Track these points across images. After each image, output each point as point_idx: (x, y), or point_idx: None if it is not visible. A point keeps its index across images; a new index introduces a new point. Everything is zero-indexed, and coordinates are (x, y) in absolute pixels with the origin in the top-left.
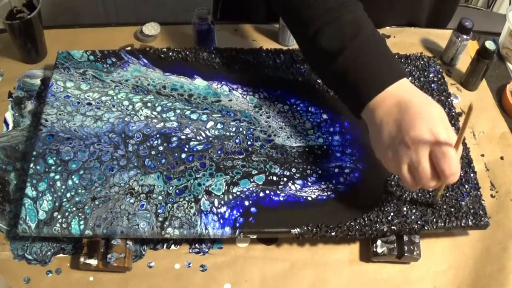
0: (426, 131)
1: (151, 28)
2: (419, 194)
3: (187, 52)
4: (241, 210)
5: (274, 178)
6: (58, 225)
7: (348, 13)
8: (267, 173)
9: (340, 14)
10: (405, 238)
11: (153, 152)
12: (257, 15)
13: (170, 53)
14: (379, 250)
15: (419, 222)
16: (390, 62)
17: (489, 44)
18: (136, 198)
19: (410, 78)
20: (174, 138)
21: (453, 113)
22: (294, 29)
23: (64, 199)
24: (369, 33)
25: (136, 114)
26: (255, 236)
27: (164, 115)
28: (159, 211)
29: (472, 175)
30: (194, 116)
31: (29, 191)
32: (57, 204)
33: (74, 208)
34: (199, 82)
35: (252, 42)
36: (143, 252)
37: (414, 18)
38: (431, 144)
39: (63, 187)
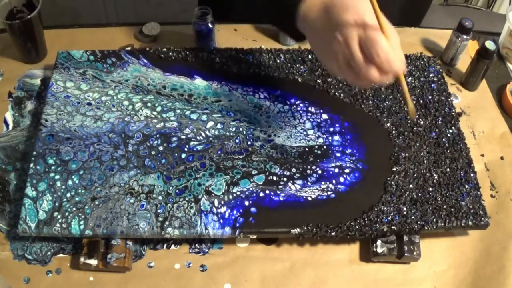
0: (352, 19)
1: (151, 28)
2: (419, 194)
3: (187, 52)
4: (241, 210)
5: (274, 178)
6: (58, 225)
7: None
8: (267, 173)
9: None
10: (405, 238)
11: (153, 152)
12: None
13: (170, 53)
14: (379, 250)
15: (419, 222)
16: None
17: (489, 44)
18: (136, 198)
19: (410, 78)
20: (174, 138)
21: (453, 113)
22: None
23: (64, 199)
24: None
25: (136, 114)
26: (255, 236)
27: (164, 115)
28: (159, 211)
29: (472, 175)
30: (194, 116)
31: (29, 191)
32: (57, 204)
33: (74, 208)
34: (199, 82)
35: (252, 42)
36: (143, 252)
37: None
38: (359, 31)
39: (63, 187)
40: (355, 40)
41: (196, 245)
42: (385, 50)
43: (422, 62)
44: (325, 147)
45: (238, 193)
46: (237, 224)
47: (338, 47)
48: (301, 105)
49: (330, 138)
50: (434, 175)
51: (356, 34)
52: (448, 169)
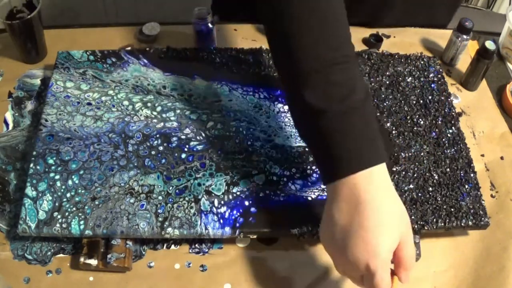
0: (362, 266)
1: (151, 28)
2: (419, 194)
3: (187, 52)
4: (241, 210)
5: (274, 178)
6: (58, 225)
7: (341, 72)
8: (267, 173)
9: (331, 71)
10: None
11: (153, 152)
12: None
13: (170, 53)
14: None
15: (419, 222)
16: (372, 140)
17: (489, 44)
18: (136, 198)
19: (410, 78)
20: (174, 138)
21: (453, 113)
22: (282, 67)
23: (64, 199)
24: (359, 99)
25: (136, 114)
26: (255, 236)
27: (164, 115)
28: (159, 211)
29: (472, 175)
30: (194, 116)
31: (29, 191)
32: (57, 204)
33: (74, 208)
34: (199, 82)
35: (252, 42)
36: (143, 252)
37: (411, 16)
38: (364, 275)
39: (63, 187)
40: (357, 276)
41: (196, 245)
42: None
43: (422, 62)
44: None
45: (238, 193)
46: (237, 224)
47: (336, 263)
48: None
49: None
50: (434, 175)
51: (360, 275)
52: (448, 169)
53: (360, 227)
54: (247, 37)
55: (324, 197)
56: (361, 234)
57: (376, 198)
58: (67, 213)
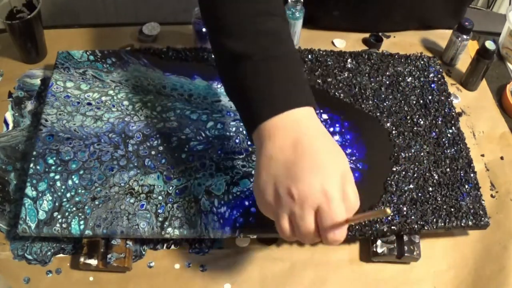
0: (318, 188)
1: (151, 28)
2: (419, 194)
3: (187, 52)
4: (241, 210)
5: None
6: (58, 225)
7: (268, 22)
8: None
9: (259, 21)
10: (405, 238)
11: (153, 152)
12: None
13: (170, 53)
14: (379, 250)
15: (419, 222)
16: (300, 85)
17: (489, 44)
18: (136, 198)
19: (410, 78)
20: (174, 138)
21: (453, 113)
22: (207, 20)
23: (64, 199)
24: (286, 49)
25: (136, 114)
26: (255, 236)
27: (164, 115)
28: (159, 211)
29: (472, 175)
30: (194, 116)
31: (29, 191)
32: (57, 204)
33: (74, 208)
34: (199, 82)
35: None
36: (143, 252)
37: (411, 23)
38: (320, 203)
39: (63, 187)
40: (313, 208)
41: (196, 245)
42: (341, 235)
43: (422, 62)
44: None
45: (238, 193)
46: (237, 224)
47: (289, 201)
48: None
49: None
50: (434, 175)
51: (316, 203)
52: (448, 169)
53: (310, 153)
54: None
55: None
56: (312, 158)
57: (318, 130)
58: (67, 213)
